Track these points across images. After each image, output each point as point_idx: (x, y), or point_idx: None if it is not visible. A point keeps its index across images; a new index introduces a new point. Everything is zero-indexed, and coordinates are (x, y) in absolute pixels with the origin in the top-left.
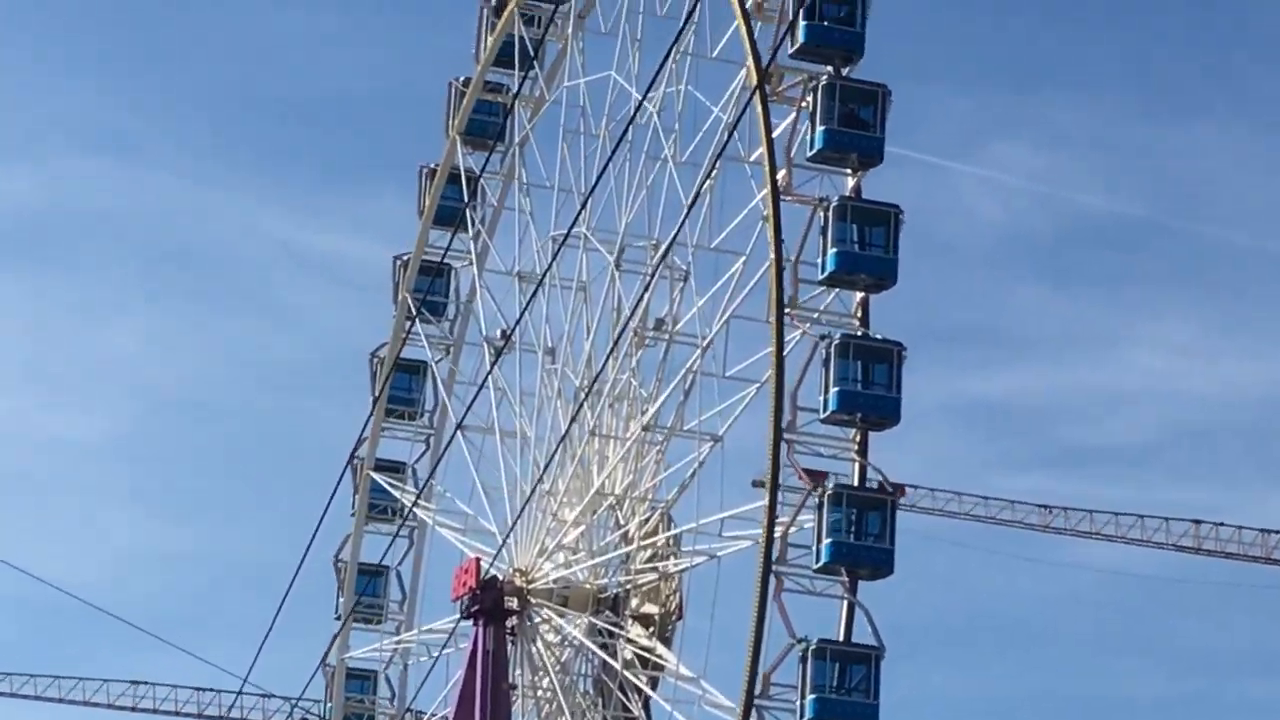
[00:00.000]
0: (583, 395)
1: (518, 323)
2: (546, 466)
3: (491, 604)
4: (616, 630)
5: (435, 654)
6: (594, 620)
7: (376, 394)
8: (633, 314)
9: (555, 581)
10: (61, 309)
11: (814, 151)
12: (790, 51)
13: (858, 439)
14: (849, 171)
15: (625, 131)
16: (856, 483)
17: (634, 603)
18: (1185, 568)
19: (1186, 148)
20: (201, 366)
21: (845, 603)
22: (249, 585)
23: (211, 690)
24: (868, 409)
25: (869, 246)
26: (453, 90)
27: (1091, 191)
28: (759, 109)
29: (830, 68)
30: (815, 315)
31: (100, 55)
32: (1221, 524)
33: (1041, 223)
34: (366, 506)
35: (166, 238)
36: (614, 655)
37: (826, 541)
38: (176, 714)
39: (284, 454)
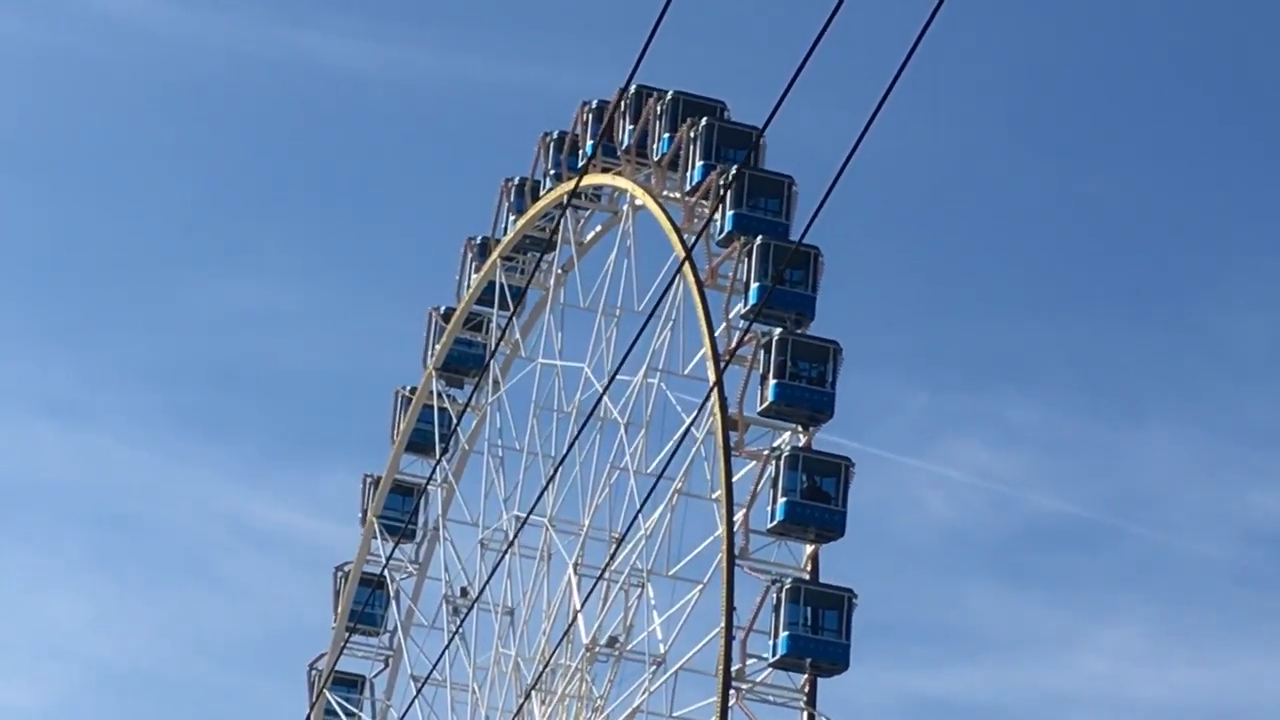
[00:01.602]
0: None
1: (458, 628)
2: None
3: None
4: None
5: None
6: None
7: (313, 707)
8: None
9: None
10: (8, 577)
11: (765, 405)
12: (745, 313)
13: (806, 688)
14: (799, 429)
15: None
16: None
17: None
18: None
19: (1137, 449)
20: (147, 639)
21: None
22: None
23: None
24: (817, 654)
25: (819, 497)
26: (398, 399)
27: (1043, 491)
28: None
29: (781, 327)
30: (767, 566)
31: (51, 321)
32: None
33: (993, 521)
34: None
35: (116, 507)
36: None
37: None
38: None
39: None
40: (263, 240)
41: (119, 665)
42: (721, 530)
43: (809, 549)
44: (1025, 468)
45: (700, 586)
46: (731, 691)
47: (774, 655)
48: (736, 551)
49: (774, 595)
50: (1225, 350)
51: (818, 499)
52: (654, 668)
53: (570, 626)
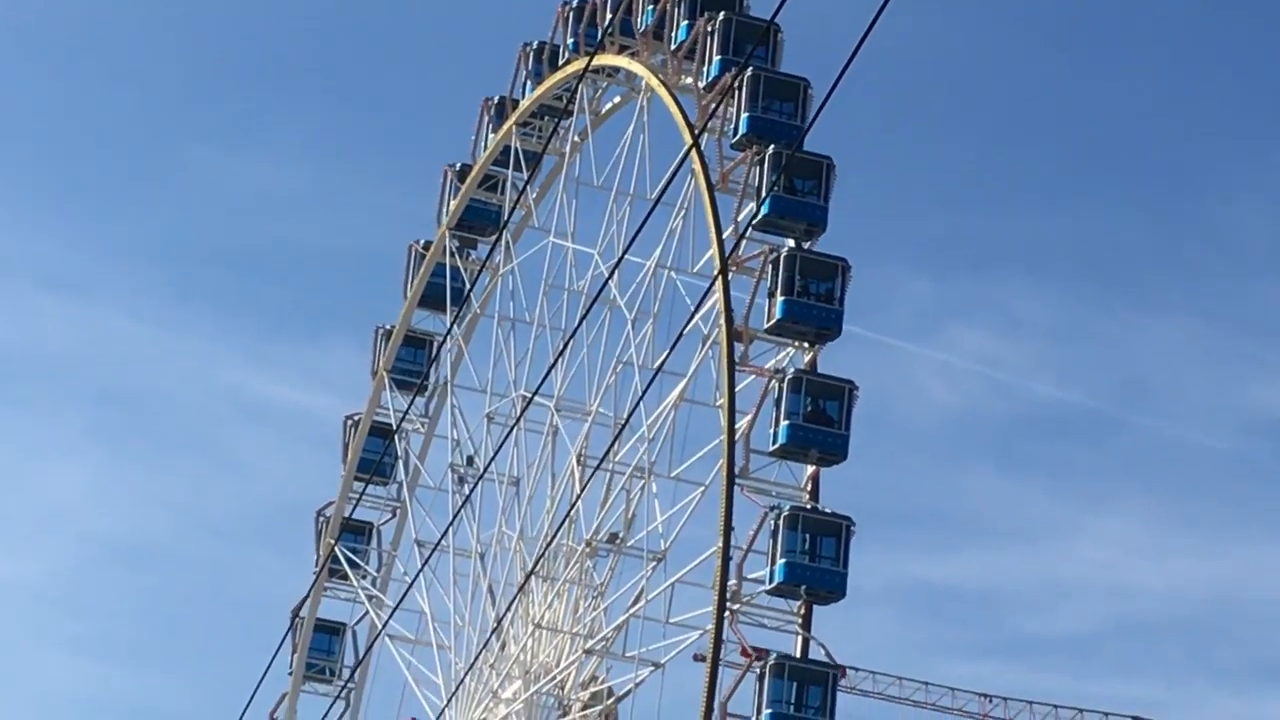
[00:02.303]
0: (516, 569)
1: (465, 501)
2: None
3: None
4: None
5: None
6: None
7: (321, 553)
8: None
9: None
10: (7, 447)
11: (772, 323)
12: (754, 223)
13: (802, 612)
14: (805, 345)
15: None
16: (799, 655)
17: None
18: None
19: (1141, 340)
20: (145, 512)
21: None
22: None
23: None
24: (813, 582)
25: (822, 421)
26: (412, 253)
27: (1046, 379)
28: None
29: (792, 241)
30: (767, 487)
31: (60, 196)
32: None
33: (995, 408)
34: (304, 666)
35: (118, 381)
36: None
37: (766, 712)
38: None
39: (224, 603)
40: (268, 116)
41: (118, 538)
42: (723, 440)
43: (810, 470)
44: (1028, 356)
45: (702, 489)
46: (725, 614)
47: (770, 582)
48: (737, 470)
49: (771, 522)
50: (1230, 242)
51: (820, 422)
52: (654, 564)
53: (570, 512)
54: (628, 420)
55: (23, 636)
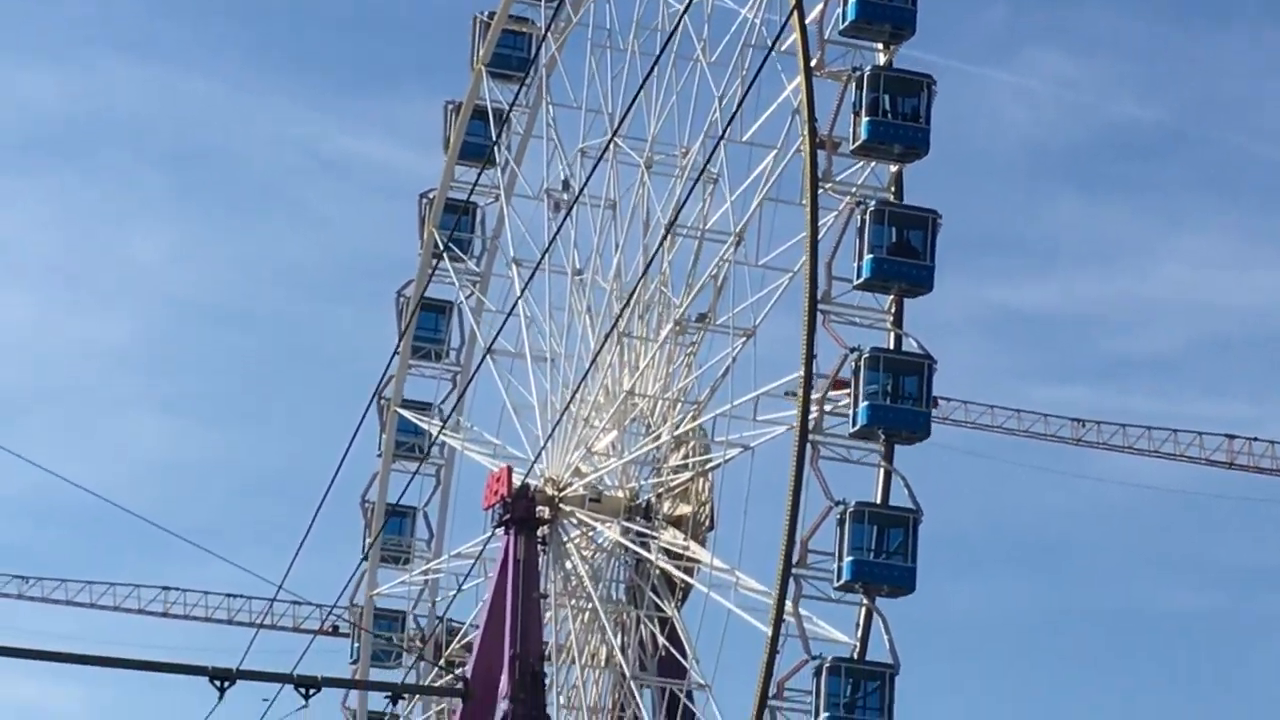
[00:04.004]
0: (614, 305)
1: (554, 238)
2: (581, 382)
3: (523, 512)
4: (649, 535)
5: (465, 578)
6: (627, 524)
7: (403, 333)
8: (669, 225)
9: (586, 489)
10: (89, 212)
11: (847, 24)
12: None
13: (892, 307)
14: (880, 46)
15: (671, 37)
16: (892, 348)
17: (666, 507)
18: (1217, 482)
19: (1220, 55)
20: (228, 272)
21: (882, 469)
22: (273, 493)
23: (242, 596)
24: (902, 275)
25: (901, 116)
26: (477, 24)
27: (1124, 99)
28: None
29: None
30: (850, 190)
31: None
32: (1255, 439)
33: (1073, 130)
34: (394, 446)
35: (195, 141)
36: (647, 560)
37: (863, 405)
38: (207, 620)
39: (310, 361)
40: None
41: (200, 298)
42: (804, 145)
43: (893, 169)
44: (1106, 76)
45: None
46: (819, 314)
47: (858, 278)
48: (820, 174)
49: (858, 217)
50: None
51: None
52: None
53: (662, 268)
54: (715, 146)
55: (111, 399)
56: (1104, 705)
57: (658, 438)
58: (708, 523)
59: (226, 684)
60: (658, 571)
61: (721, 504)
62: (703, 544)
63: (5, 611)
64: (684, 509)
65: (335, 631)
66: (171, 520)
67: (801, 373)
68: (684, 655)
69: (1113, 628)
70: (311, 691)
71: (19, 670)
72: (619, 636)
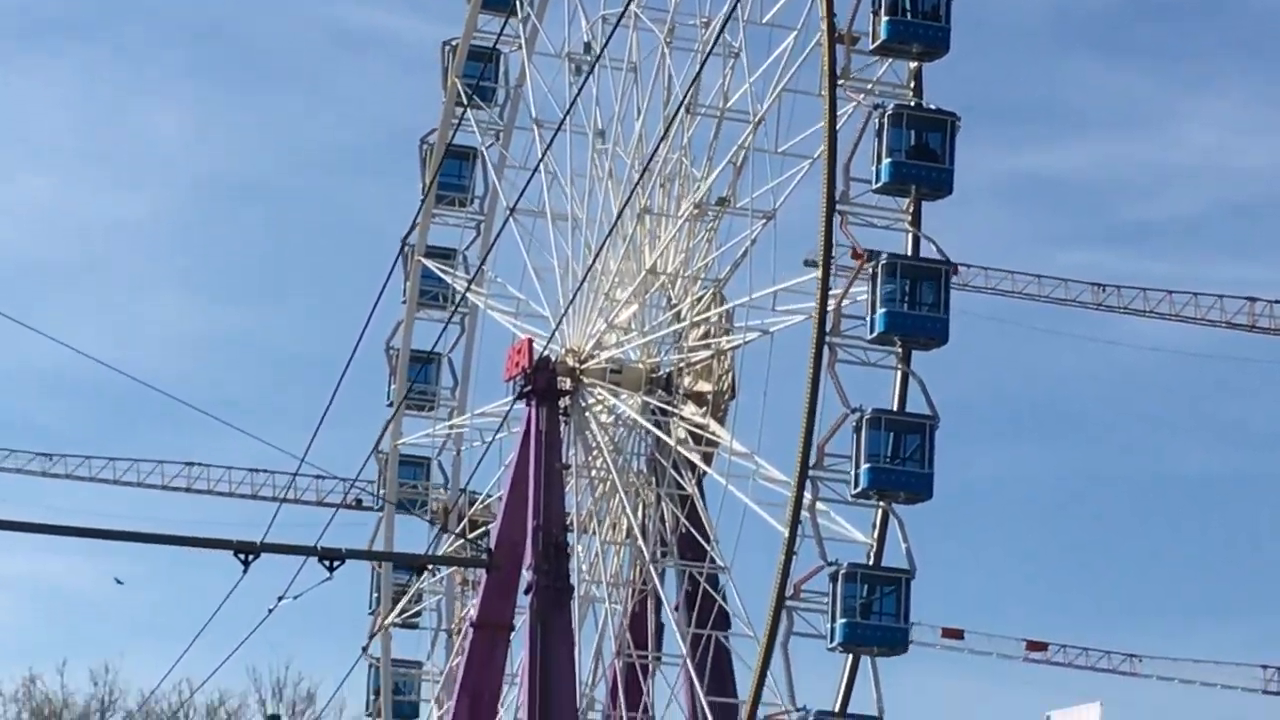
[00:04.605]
0: (635, 174)
1: (572, 104)
2: (599, 250)
3: (544, 384)
4: (669, 409)
5: (488, 438)
6: (647, 399)
7: (427, 180)
8: (686, 92)
9: (608, 361)
10: (107, 88)
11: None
12: None
13: (911, 209)
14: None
15: None
16: (910, 252)
17: (687, 381)
18: (1238, 345)
19: None
20: (248, 147)
21: (899, 373)
22: (297, 367)
23: (266, 471)
24: (920, 179)
25: (921, 15)
26: None
27: None
28: None
29: None
30: (868, 86)
31: None
32: (1277, 301)
33: None
34: (418, 293)
35: (213, 17)
36: (667, 433)
37: (880, 311)
38: (230, 494)
39: (332, 236)
40: None
41: (222, 175)
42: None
43: (912, 66)
44: None
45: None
46: (836, 216)
47: (877, 182)
48: (839, 71)
49: (876, 120)
50: None
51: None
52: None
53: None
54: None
55: (135, 275)
56: (1126, 569)
57: (679, 314)
58: (729, 392)
59: (251, 557)
60: (678, 450)
61: (743, 374)
62: (723, 419)
63: (29, 489)
64: (704, 385)
65: (359, 505)
66: (195, 395)
67: (819, 273)
68: (704, 537)
69: (1135, 491)
70: (335, 564)
71: (44, 546)
72: (639, 513)
